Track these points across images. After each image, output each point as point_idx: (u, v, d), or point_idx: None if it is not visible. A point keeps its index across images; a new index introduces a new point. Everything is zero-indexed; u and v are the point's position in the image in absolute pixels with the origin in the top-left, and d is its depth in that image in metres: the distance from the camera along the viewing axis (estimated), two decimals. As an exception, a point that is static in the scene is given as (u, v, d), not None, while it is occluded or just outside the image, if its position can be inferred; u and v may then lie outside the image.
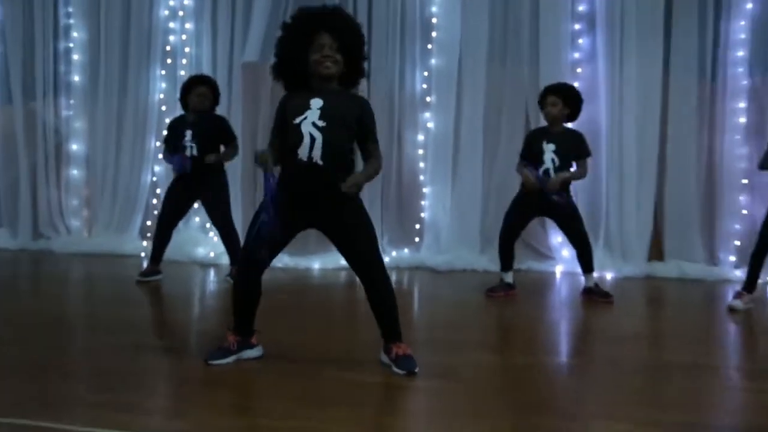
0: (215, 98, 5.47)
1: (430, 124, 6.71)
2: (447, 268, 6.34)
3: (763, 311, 5.03)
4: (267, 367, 3.03)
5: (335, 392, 2.69)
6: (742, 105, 6.39)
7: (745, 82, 6.40)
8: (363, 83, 6.46)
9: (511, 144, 6.48)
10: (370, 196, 6.54)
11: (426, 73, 6.74)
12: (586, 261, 5.14)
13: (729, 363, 3.75)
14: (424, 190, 6.71)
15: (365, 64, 3.20)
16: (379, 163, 3.21)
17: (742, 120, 6.38)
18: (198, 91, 5.30)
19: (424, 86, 6.75)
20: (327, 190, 2.96)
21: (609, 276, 6.28)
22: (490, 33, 6.67)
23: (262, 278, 3.06)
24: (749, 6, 6.37)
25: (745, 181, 6.37)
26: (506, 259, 5.18)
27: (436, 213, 6.69)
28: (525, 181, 5.00)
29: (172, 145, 5.29)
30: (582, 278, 5.23)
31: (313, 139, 2.92)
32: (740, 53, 6.38)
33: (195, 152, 5.15)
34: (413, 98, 6.76)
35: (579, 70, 6.51)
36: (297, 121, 2.94)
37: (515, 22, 6.66)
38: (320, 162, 2.92)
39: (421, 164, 6.72)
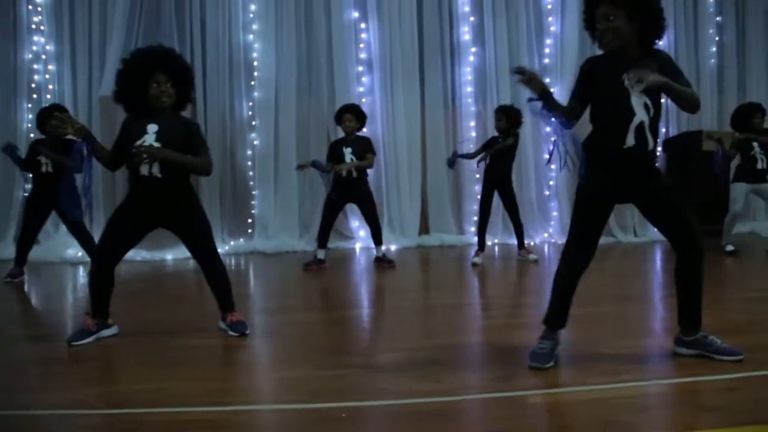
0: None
1: (256, 142, 6.58)
2: (275, 251, 6.27)
3: (502, 264, 5.42)
4: (124, 342, 2.81)
5: (182, 356, 2.55)
6: (473, 124, 6.91)
7: (473, 109, 6.92)
8: (200, 110, 6.35)
9: (318, 155, 6.49)
10: (211, 199, 6.33)
11: (250, 103, 6.60)
12: (376, 236, 5.27)
13: (473, 301, 3.95)
14: (254, 192, 6.58)
15: (193, 93, 3.03)
16: (205, 162, 2.90)
17: (473, 134, 6.89)
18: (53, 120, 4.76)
19: (250, 113, 6.60)
20: (167, 198, 2.81)
21: (393, 247, 6.53)
22: (298, 73, 6.65)
23: (115, 270, 2.85)
24: (472, 58, 6.90)
25: (477, 175, 6.86)
26: (322, 239, 5.11)
27: (264, 209, 6.58)
28: (333, 170, 4.99)
29: (29, 162, 4.72)
30: (374, 250, 5.38)
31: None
32: (469, 89, 6.89)
33: (50, 169, 4.64)
34: (241, 122, 6.58)
35: (364, 100, 6.66)
36: (137, 144, 2.74)
37: (316, 65, 6.69)
38: (159, 175, 2.74)
39: (251, 173, 6.58)
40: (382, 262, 5.21)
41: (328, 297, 4.26)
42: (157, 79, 2.78)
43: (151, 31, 6.22)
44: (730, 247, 5.55)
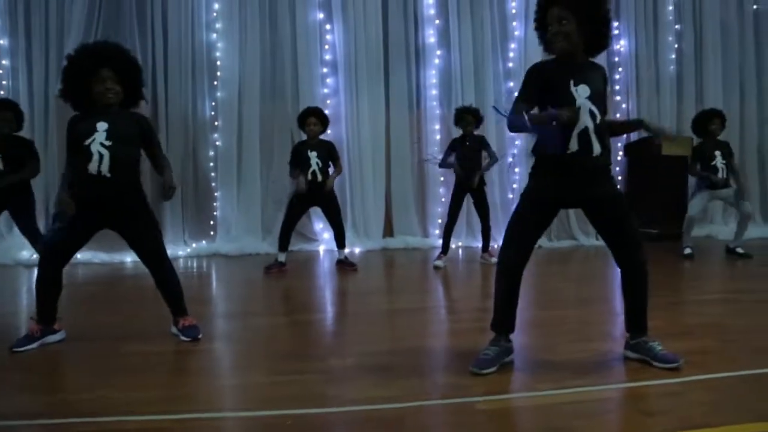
0: (18, 123, 4.77)
1: (219, 142, 6.48)
2: (237, 253, 6.17)
3: (464, 267, 5.42)
4: (71, 348, 2.73)
5: (132, 363, 2.49)
6: (437, 127, 6.94)
7: (438, 111, 6.95)
8: (162, 109, 6.23)
9: (281, 156, 6.46)
10: (173, 201, 6.15)
11: (213, 103, 6.48)
12: (339, 239, 5.25)
13: (433, 304, 3.95)
14: (216, 193, 6.46)
15: (143, 91, 2.95)
16: (169, 162, 2.99)
17: (438, 137, 6.92)
18: (1, 116, 4.63)
19: (212, 113, 6.49)
20: (115, 198, 2.74)
21: (357, 250, 6.52)
22: (262, 74, 6.57)
23: (62, 272, 2.77)
24: (437, 61, 6.94)
25: (442, 178, 6.93)
26: (283, 242, 5.07)
27: (226, 211, 6.47)
28: (297, 185, 4.96)
29: None
30: (337, 253, 5.35)
31: (101, 156, 2.68)
32: (434, 92, 6.92)
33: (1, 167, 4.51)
34: (204, 122, 6.45)
35: (328, 101, 6.63)
36: (87, 142, 2.69)
37: (280, 66, 6.63)
38: (108, 175, 2.69)
39: (213, 174, 6.47)
40: (344, 265, 5.19)
41: (287, 300, 4.22)
42: (102, 76, 2.72)
43: (111, 27, 6.06)
44: (687, 251, 5.69)
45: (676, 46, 7.71)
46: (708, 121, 5.67)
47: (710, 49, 7.78)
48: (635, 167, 7.45)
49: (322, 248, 6.59)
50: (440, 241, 6.70)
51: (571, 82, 2.28)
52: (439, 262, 5.23)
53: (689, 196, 5.77)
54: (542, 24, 2.36)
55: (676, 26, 7.73)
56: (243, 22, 6.49)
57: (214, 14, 6.44)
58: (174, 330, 2.91)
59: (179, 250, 6.15)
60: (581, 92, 2.28)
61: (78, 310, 3.35)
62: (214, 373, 2.50)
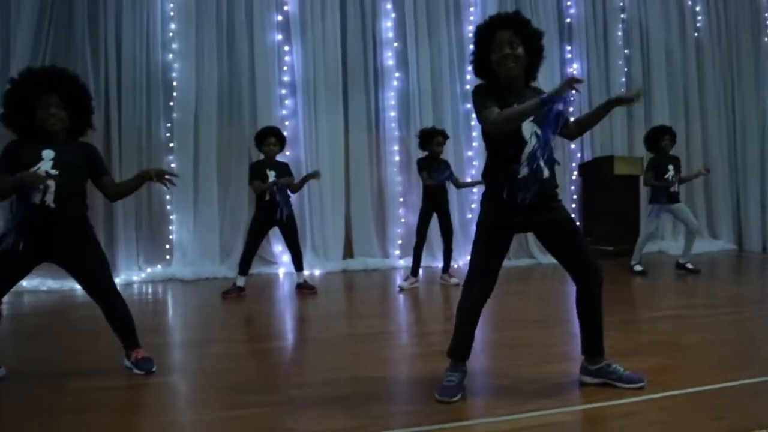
0: None
1: (174, 164, 6.34)
2: (194, 277, 6.02)
3: (424, 288, 5.36)
4: (11, 386, 2.58)
5: (81, 401, 2.38)
6: (396, 148, 6.99)
7: (396, 133, 7.01)
8: (115, 130, 6.08)
9: (239, 179, 6.43)
10: (126, 224, 6.06)
11: (169, 125, 6.38)
12: (297, 261, 5.19)
13: (393, 329, 3.87)
14: (171, 216, 6.33)
15: (91, 118, 2.83)
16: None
17: (397, 158, 6.98)
18: None
19: (168, 135, 6.37)
20: (60, 231, 2.62)
21: (317, 272, 6.46)
22: (219, 95, 6.51)
23: (17, 302, 2.65)
24: (395, 83, 7.01)
25: (401, 199, 6.97)
26: (244, 265, 4.99)
27: (182, 234, 6.33)
28: (265, 188, 4.88)
29: None
30: (296, 276, 5.29)
31: (46, 186, 2.57)
32: (392, 114, 6.98)
33: None
34: (158, 144, 6.32)
35: (287, 123, 6.61)
36: (33, 170, 2.55)
37: (238, 87, 6.58)
38: (52, 205, 2.57)
39: (168, 196, 6.33)
40: (303, 289, 5.14)
41: (246, 327, 4.12)
42: (47, 102, 2.62)
43: (61, 46, 5.90)
44: (638, 267, 5.86)
45: (625, 69, 8.04)
46: (660, 137, 5.88)
47: (656, 72, 8.15)
48: (589, 186, 7.66)
49: (281, 271, 6.51)
50: (401, 262, 6.79)
51: (515, 106, 2.30)
52: (405, 284, 5.24)
53: (648, 212, 5.96)
54: (484, 48, 2.34)
55: (625, 51, 8.06)
56: (200, 43, 6.42)
57: (171, 34, 6.37)
58: (127, 363, 2.81)
59: (134, 275, 5.98)
60: None
61: (21, 343, 3.20)
62: (169, 408, 2.41)
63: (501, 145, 2.32)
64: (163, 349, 3.18)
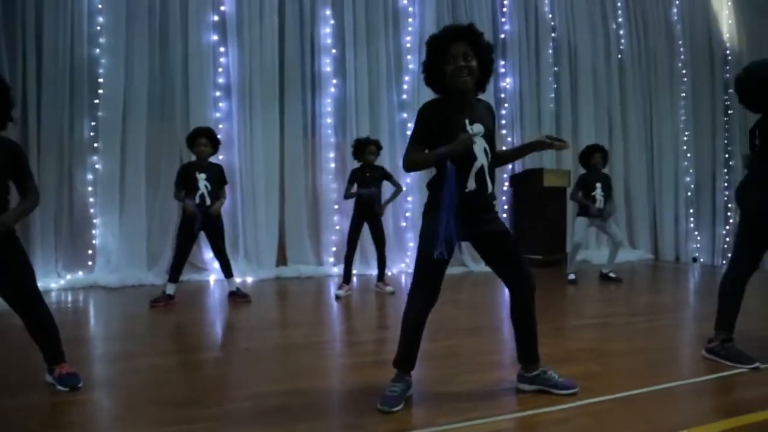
0: None
1: (99, 165, 6.06)
2: (119, 285, 5.73)
3: (359, 296, 5.36)
4: None
5: (-4, 419, 2.23)
6: (332, 155, 6.97)
7: (333, 140, 6.99)
8: (33, 128, 5.72)
9: (169, 181, 6.17)
10: (45, 228, 5.71)
11: (93, 123, 6.06)
12: (226, 269, 5.07)
13: (329, 338, 3.82)
14: (95, 220, 6.01)
15: (12, 112, 2.62)
16: (35, 198, 2.64)
17: (332, 165, 6.96)
18: None
19: (92, 134, 6.06)
20: None
21: (249, 279, 6.32)
22: (150, 93, 6.26)
23: None
24: (332, 89, 7.00)
25: (336, 206, 6.95)
26: (175, 273, 4.81)
27: (106, 239, 6.03)
28: (186, 208, 4.73)
29: None
30: (227, 284, 5.15)
31: None
32: (329, 120, 6.96)
33: None
34: (82, 143, 6.00)
35: (221, 125, 6.45)
36: None
37: (170, 86, 6.36)
38: None
39: (91, 199, 6.02)
40: (236, 297, 5.01)
41: (176, 338, 3.94)
42: None
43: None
44: (571, 276, 6.11)
45: (554, 86, 8.39)
46: (590, 156, 6.15)
47: (583, 89, 8.57)
48: (519, 197, 7.92)
49: (212, 278, 6.33)
50: (335, 269, 6.76)
51: (467, 121, 2.34)
52: (340, 292, 5.22)
53: (575, 224, 6.21)
54: (437, 59, 2.35)
55: (555, 68, 8.42)
56: (130, 38, 6.16)
57: (98, 28, 6.08)
58: (49, 379, 2.63)
59: (51, 282, 5.63)
60: (476, 130, 2.35)
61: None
62: (96, 427, 2.27)
63: (453, 159, 2.34)
64: (87, 362, 3.01)
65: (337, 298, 5.15)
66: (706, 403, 2.42)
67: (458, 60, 2.31)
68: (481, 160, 2.35)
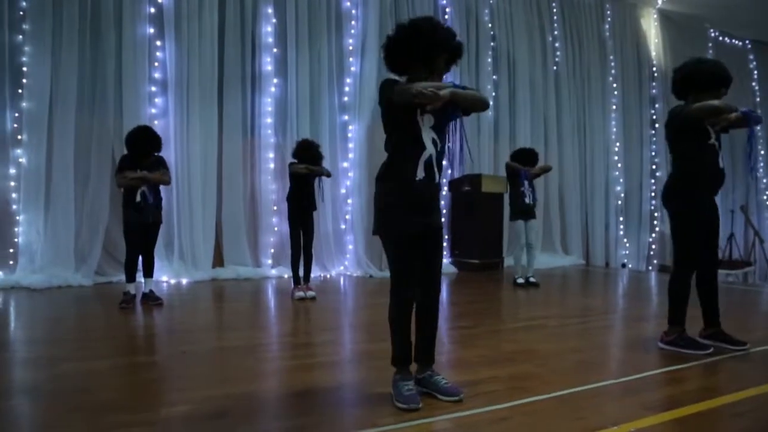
0: None
1: (22, 159, 5.74)
2: (44, 285, 5.46)
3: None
4: None
5: None
6: (271, 155, 6.89)
7: (272, 140, 6.91)
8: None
9: (100, 175, 5.98)
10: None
11: (17, 114, 5.75)
12: (149, 267, 4.88)
13: (267, 341, 3.75)
14: (18, 217, 5.69)
15: None
16: None
17: (272, 165, 6.87)
18: None
19: (15, 126, 5.74)
20: None
21: (184, 281, 6.14)
22: (79, 86, 6.00)
23: None
24: (273, 89, 6.92)
25: (275, 207, 6.87)
26: (130, 272, 4.73)
27: (30, 237, 5.72)
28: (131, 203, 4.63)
29: None
30: (158, 284, 4.99)
31: None
32: (269, 120, 6.88)
33: None
34: (4, 136, 5.69)
35: (156, 122, 6.25)
36: None
37: (102, 78, 6.11)
38: None
39: (14, 195, 5.70)
40: (148, 301, 4.81)
41: (105, 341, 3.73)
42: None
43: None
44: (520, 280, 6.25)
45: (493, 93, 8.59)
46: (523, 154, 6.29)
47: (521, 98, 8.84)
48: (457, 202, 8.05)
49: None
50: (273, 272, 6.67)
51: (417, 111, 2.37)
52: (301, 293, 5.14)
53: (511, 229, 6.34)
54: (433, 50, 2.36)
55: (494, 76, 8.64)
56: (58, 25, 5.89)
57: (21, 13, 5.77)
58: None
59: (-32, 282, 5.28)
60: (426, 122, 2.40)
61: None
62: (16, 432, 2.14)
63: (404, 147, 2.38)
64: (7, 366, 2.83)
65: (301, 299, 5.09)
66: (636, 399, 2.53)
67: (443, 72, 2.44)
68: (430, 149, 2.39)
